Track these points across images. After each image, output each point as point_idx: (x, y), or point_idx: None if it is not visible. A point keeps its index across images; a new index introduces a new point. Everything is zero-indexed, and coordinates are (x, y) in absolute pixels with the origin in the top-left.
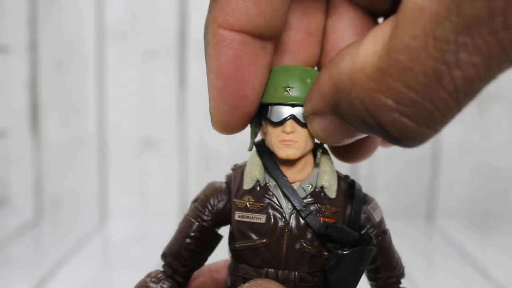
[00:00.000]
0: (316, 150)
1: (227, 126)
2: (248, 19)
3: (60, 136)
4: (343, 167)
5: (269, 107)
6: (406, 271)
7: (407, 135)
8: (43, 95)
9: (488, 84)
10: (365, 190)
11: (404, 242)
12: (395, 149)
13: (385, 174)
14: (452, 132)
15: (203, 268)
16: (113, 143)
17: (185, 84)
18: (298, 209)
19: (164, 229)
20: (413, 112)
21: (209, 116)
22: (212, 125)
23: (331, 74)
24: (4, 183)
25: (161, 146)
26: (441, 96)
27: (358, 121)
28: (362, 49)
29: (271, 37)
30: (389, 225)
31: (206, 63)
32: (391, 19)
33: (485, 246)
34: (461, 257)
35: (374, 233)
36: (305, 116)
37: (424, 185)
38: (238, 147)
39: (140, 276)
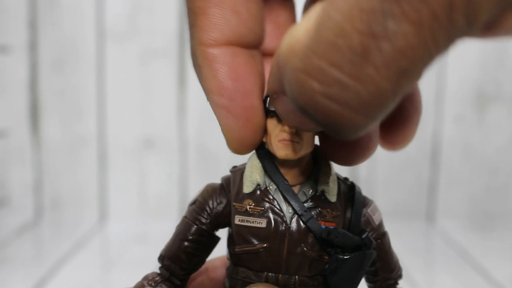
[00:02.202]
0: (317, 153)
1: (244, 143)
2: (231, 30)
3: (60, 136)
4: (343, 167)
5: (267, 98)
6: (406, 271)
7: (337, 123)
8: (43, 95)
9: (426, 61)
10: (365, 190)
11: (404, 243)
12: None
13: (385, 174)
14: (452, 132)
15: (200, 268)
16: (113, 143)
17: (185, 84)
18: (299, 213)
19: (164, 229)
20: (339, 94)
21: (225, 139)
22: (229, 147)
23: (276, 52)
24: (4, 183)
25: (161, 146)
26: (369, 73)
27: (295, 105)
28: (297, 27)
29: (256, 44)
30: (389, 225)
31: (203, 87)
32: None
33: (485, 246)
34: (461, 257)
35: (373, 236)
36: (269, 97)
37: (424, 185)
38: None
39: (140, 276)
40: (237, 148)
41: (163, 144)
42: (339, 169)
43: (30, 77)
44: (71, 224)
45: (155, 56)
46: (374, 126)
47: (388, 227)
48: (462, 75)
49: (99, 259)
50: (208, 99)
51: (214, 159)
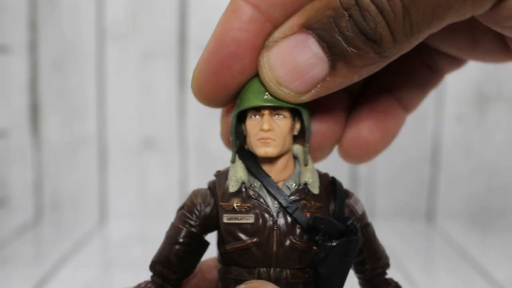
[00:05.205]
0: (299, 150)
1: (202, 91)
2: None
3: (60, 136)
4: (343, 168)
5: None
6: (406, 271)
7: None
8: (43, 95)
9: None
10: (365, 190)
11: (404, 243)
12: (395, 149)
13: (385, 174)
14: (452, 132)
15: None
16: (113, 143)
17: (185, 84)
18: (284, 206)
19: (164, 229)
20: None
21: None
22: (191, 85)
23: None
24: (4, 183)
25: (161, 146)
26: None
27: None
28: None
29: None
30: (389, 225)
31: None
32: None
33: (485, 246)
34: (461, 257)
35: (357, 225)
36: (268, 43)
37: (424, 185)
38: None
39: (139, 276)
40: (194, 90)
41: (163, 144)
42: (339, 169)
43: (30, 77)
44: (71, 224)
45: (155, 56)
46: None
47: (388, 227)
48: (462, 75)
49: (99, 259)
50: None
51: (214, 159)
